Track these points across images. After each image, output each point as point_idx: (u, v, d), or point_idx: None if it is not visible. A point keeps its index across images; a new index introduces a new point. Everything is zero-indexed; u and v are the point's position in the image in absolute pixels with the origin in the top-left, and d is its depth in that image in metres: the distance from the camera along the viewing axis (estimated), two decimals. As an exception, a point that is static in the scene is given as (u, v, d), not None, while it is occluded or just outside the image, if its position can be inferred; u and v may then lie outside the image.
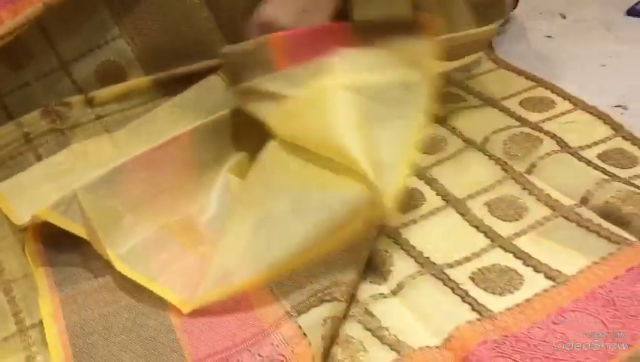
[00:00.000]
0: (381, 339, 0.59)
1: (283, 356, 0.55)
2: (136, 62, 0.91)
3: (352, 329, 0.61)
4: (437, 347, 0.58)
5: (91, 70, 0.90)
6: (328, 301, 0.60)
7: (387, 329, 0.60)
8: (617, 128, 0.80)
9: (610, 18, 1.10)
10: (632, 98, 0.87)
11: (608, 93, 0.88)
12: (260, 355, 0.57)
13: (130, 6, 0.89)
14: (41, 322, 0.63)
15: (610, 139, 0.79)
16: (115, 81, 0.91)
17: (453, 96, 0.91)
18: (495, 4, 0.88)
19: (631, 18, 1.10)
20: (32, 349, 0.61)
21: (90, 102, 0.91)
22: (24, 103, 0.89)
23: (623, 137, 0.79)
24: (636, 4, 1.11)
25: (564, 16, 1.13)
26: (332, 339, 0.59)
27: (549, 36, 1.07)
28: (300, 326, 0.58)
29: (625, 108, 0.84)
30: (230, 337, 0.59)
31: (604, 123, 0.81)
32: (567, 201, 0.71)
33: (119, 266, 0.65)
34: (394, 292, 0.64)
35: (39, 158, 0.85)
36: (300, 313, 0.59)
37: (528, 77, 0.93)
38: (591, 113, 0.83)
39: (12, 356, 0.60)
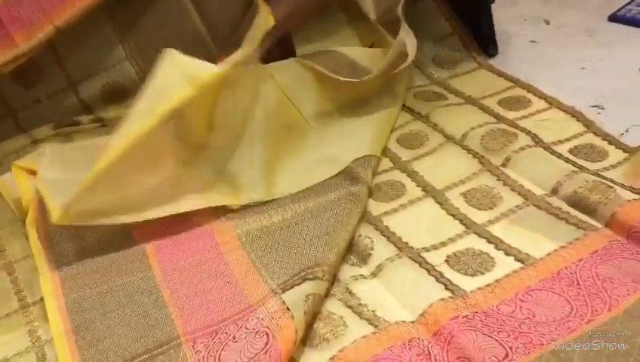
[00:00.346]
0: (360, 315, 0.64)
1: (268, 328, 0.59)
2: (140, 83, 0.96)
3: (334, 307, 0.65)
4: (412, 322, 0.62)
5: (97, 90, 0.97)
6: (310, 279, 0.64)
7: (366, 306, 0.64)
8: (589, 125, 0.84)
9: (593, 24, 1.14)
10: (609, 98, 0.91)
11: (586, 94, 0.92)
12: (246, 328, 0.61)
13: (134, 29, 0.96)
14: (41, 299, 0.67)
15: (582, 135, 0.83)
16: (119, 100, 0.97)
17: (435, 94, 0.96)
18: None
19: (613, 24, 1.14)
20: (34, 324, 0.65)
21: (98, 122, 0.97)
22: (35, 119, 0.96)
23: (594, 133, 0.83)
24: (618, 10, 1.15)
25: (547, 22, 1.18)
26: (314, 316, 0.63)
27: (532, 41, 1.12)
28: (283, 302, 0.62)
29: (601, 108, 0.88)
30: (219, 312, 0.64)
31: (577, 120, 0.86)
32: (538, 191, 0.75)
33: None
34: (373, 274, 0.68)
35: None
36: (284, 290, 0.63)
37: (507, 78, 0.98)
38: (565, 111, 0.88)
39: (15, 330, 0.65)
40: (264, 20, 0.75)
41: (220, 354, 0.59)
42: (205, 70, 0.70)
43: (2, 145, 0.95)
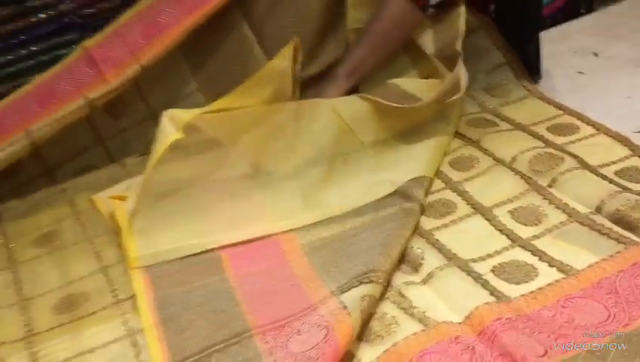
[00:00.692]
0: (411, 316, 0.70)
1: (328, 322, 0.67)
2: None
3: (387, 308, 0.72)
4: (459, 323, 0.68)
5: None
6: (366, 283, 0.71)
7: (417, 309, 0.71)
8: (635, 149, 0.89)
9: (640, 56, 1.19)
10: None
11: (630, 121, 0.96)
12: (309, 323, 0.69)
13: (204, 65, 1.08)
14: (132, 296, 0.77)
15: (628, 158, 0.88)
16: None
17: (486, 121, 1.02)
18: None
19: (660, 55, 1.18)
20: (126, 316, 0.75)
21: None
22: (122, 147, 1.09)
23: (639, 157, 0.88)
24: (666, 41, 1.19)
25: (596, 55, 1.23)
26: (370, 315, 0.70)
27: (580, 72, 1.17)
28: (342, 302, 0.69)
29: (646, 133, 0.93)
30: (285, 310, 0.72)
31: (623, 145, 0.90)
32: (582, 209, 0.80)
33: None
34: (424, 281, 0.75)
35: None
36: (342, 292, 0.71)
37: (556, 105, 1.03)
38: (612, 137, 0.93)
39: (111, 321, 0.75)
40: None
41: (286, 344, 0.67)
42: (186, 115, 0.86)
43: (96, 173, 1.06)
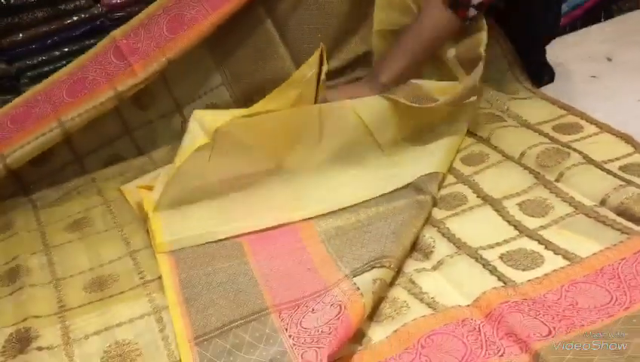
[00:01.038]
0: (421, 300, 0.74)
1: (341, 301, 0.71)
2: (233, 104, 1.14)
3: (398, 293, 0.76)
4: (467, 306, 0.71)
5: None
6: (378, 267, 0.75)
7: (427, 294, 0.75)
8: (637, 146, 0.92)
9: (654, 60, 1.22)
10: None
11: (637, 122, 0.99)
12: (323, 302, 0.73)
13: (229, 59, 1.12)
14: (158, 278, 0.82)
15: (631, 155, 0.91)
16: None
17: (495, 117, 1.06)
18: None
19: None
20: (153, 295, 0.80)
21: None
22: (148, 138, 1.13)
23: (643, 153, 0.91)
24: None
25: (610, 59, 1.26)
26: (380, 298, 0.74)
27: (593, 76, 1.20)
28: (354, 283, 0.73)
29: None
30: (301, 291, 0.76)
31: (626, 143, 0.93)
32: (588, 202, 0.83)
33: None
34: (434, 268, 0.79)
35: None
36: (355, 276, 0.75)
37: (560, 105, 1.07)
38: (614, 135, 0.96)
39: (138, 299, 0.80)
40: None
41: (300, 321, 0.71)
42: (215, 122, 0.89)
43: (124, 163, 1.11)
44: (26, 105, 1.02)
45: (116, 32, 1.05)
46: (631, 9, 1.49)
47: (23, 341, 0.74)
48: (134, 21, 1.05)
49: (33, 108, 1.01)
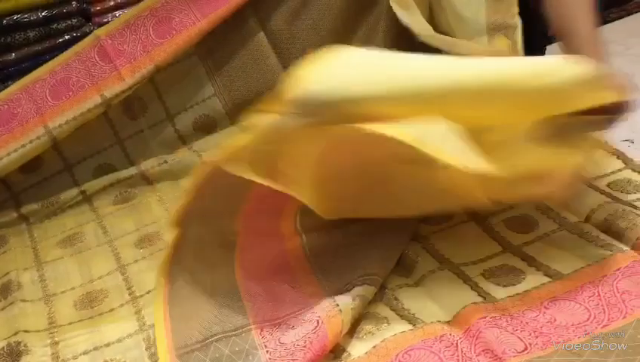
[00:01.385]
0: (402, 316, 0.75)
1: (319, 317, 0.72)
2: (226, 115, 1.14)
3: (379, 309, 0.76)
4: (447, 321, 0.72)
5: (190, 122, 1.14)
6: (359, 285, 0.76)
7: (408, 311, 0.75)
8: (627, 162, 0.91)
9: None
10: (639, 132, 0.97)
11: (618, 129, 0.98)
12: (303, 319, 0.73)
13: (221, 70, 1.13)
14: (147, 292, 0.84)
15: (621, 170, 0.90)
16: (207, 131, 1.14)
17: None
18: None
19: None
20: (141, 312, 0.82)
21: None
22: (139, 147, 1.12)
23: (632, 169, 0.90)
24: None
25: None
26: (361, 315, 0.75)
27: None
28: (334, 300, 0.74)
29: (632, 141, 0.95)
30: (282, 310, 0.77)
31: (617, 158, 0.93)
32: (573, 218, 0.83)
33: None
34: (416, 283, 0.79)
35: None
36: (337, 294, 0.75)
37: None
38: (606, 150, 0.95)
39: (127, 317, 0.81)
40: None
41: (279, 338, 0.72)
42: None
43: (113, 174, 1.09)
44: (8, 103, 1.01)
45: (100, 31, 1.05)
46: (620, 17, 1.50)
47: (13, 354, 0.76)
48: (119, 20, 1.05)
49: (16, 108, 1.01)
